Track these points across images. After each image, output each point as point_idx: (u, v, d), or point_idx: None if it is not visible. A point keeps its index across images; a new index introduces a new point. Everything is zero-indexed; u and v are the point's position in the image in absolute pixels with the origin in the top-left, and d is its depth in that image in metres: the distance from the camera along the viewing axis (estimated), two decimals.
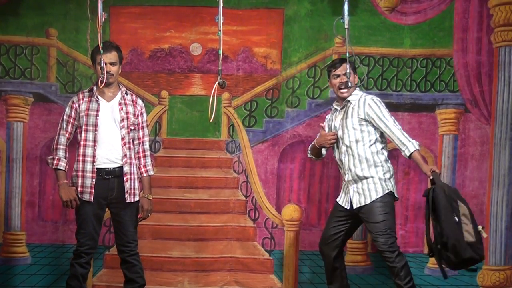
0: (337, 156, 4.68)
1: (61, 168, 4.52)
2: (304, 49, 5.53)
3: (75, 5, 5.38)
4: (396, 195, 4.60)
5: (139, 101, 4.70)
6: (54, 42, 5.46)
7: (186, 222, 5.53)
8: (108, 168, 4.52)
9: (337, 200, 4.73)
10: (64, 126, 4.56)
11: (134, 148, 4.64)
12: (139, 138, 4.66)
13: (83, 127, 4.52)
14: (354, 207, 4.57)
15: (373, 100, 4.56)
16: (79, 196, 4.50)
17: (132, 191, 4.57)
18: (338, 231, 4.68)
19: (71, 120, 4.56)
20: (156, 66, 5.54)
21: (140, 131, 4.66)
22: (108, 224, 5.20)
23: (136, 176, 4.61)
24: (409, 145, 4.43)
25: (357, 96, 4.60)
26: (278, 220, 5.55)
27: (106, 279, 5.43)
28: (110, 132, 4.54)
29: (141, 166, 4.66)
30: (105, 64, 4.39)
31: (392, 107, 5.14)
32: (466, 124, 5.54)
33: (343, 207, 4.67)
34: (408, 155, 4.43)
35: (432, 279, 5.41)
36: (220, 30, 4.01)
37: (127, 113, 4.58)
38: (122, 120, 4.56)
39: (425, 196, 4.37)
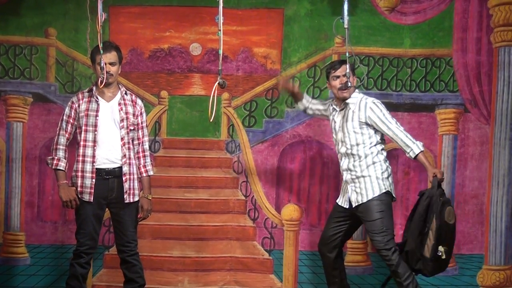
0: (338, 156, 4.71)
1: (61, 168, 4.51)
2: (304, 49, 5.52)
3: (74, 4, 5.37)
4: (393, 195, 4.62)
5: (139, 101, 4.70)
6: (53, 42, 5.44)
7: (186, 221, 5.53)
8: (107, 168, 4.51)
9: (337, 201, 4.76)
10: (64, 126, 4.55)
11: (134, 148, 4.63)
12: (138, 138, 4.66)
13: (83, 128, 4.51)
14: (353, 206, 4.59)
15: (374, 103, 4.57)
16: (79, 196, 4.49)
17: (132, 191, 4.57)
18: (337, 231, 4.71)
19: (71, 120, 4.55)
20: (155, 66, 5.53)
21: (140, 131, 4.66)
22: (108, 224, 5.19)
23: (135, 176, 4.61)
24: (414, 147, 4.47)
25: (356, 99, 4.61)
26: (278, 220, 5.55)
27: (106, 279, 5.43)
28: (110, 132, 4.53)
29: (141, 166, 4.66)
30: (105, 64, 4.38)
31: (392, 107, 5.15)
32: (465, 124, 5.54)
33: (342, 207, 4.69)
34: (413, 157, 4.48)
35: (432, 279, 5.38)
36: (220, 30, 4.01)
37: (126, 113, 4.58)
38: (122, 120, 4.55)
39: (418, 196, 4.52)
